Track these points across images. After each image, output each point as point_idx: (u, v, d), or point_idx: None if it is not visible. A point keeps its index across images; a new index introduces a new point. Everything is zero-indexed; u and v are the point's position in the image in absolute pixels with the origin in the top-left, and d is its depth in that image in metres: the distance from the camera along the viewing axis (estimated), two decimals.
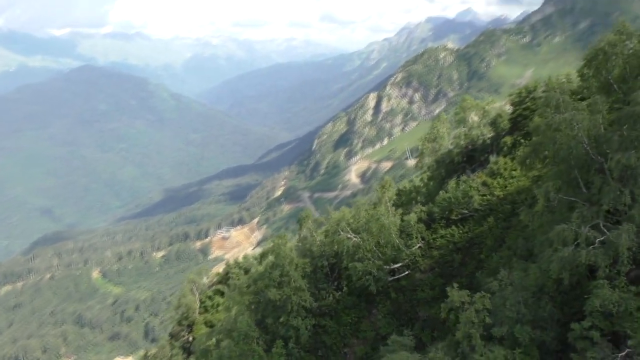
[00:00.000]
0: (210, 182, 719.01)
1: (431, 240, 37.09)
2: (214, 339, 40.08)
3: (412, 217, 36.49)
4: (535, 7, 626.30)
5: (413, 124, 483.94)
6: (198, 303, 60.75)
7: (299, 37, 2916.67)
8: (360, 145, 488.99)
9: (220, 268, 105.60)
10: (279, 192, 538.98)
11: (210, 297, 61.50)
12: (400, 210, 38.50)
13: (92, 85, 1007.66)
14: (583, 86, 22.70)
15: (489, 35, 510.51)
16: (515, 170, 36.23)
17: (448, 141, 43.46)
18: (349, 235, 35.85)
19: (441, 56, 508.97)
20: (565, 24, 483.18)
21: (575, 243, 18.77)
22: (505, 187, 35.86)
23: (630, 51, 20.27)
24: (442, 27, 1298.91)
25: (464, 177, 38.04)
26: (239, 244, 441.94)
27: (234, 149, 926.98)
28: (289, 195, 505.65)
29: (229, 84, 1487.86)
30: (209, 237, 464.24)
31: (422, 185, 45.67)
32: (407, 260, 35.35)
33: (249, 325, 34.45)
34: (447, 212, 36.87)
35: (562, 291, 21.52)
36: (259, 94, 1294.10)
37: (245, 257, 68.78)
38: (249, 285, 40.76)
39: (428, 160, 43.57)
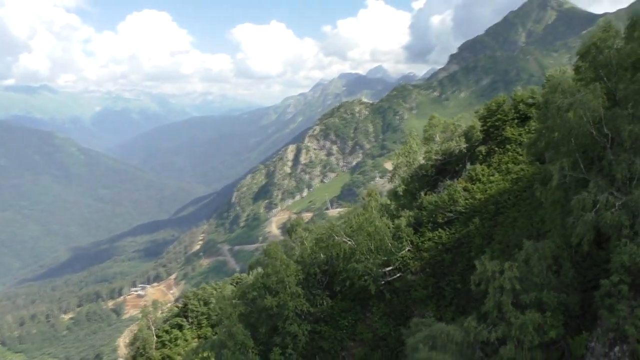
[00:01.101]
0: (123, 238, 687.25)
1: (419, 243, 38.34)
2: (201, 355, 37.84)
3: (402, 221, 37.75)
4: (441, 66, 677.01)
5: (332, 175, 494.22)
6: (154, 338, 57.13)
7: (215, 91, 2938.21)
8: (280, 196, 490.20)
9: (135, 328, 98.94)
10: (197, 247, 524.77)
11: (167, 332, 58.10)
12: (385, 218, 39.58)
13: None
14: (577, 79, 25.25)
15: (401, 90, 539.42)
16: (492, 175, 38.74)
17: (420, 156, 45.76)
18: (344, 239, 36.32)
19: (357, 110, 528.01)
20: (470, 80, 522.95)
21: (595, 209, 20.55)
22: (486, 190, 38.08)
23: (617, 47, 23.13)
24: (355, 83, 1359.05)
25: (448, 182, 40.14)
26: (155, 301, 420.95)
27: (148, 204, 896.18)
28: (208, 249, 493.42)
29: (142, 138, 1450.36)
30: (122, 296, 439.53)
31: (389, 202, 47.25)
32: (397, 264, 36.28)
33: (245, 334, 33.38)
34: (433, 216, 38.40)
35: (575, 262, 23.20)
36: (175, 147, 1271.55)
37: (203, 287, 66.15)
38: (239, 296, 39.44)
39: (403, 174, 45.50)
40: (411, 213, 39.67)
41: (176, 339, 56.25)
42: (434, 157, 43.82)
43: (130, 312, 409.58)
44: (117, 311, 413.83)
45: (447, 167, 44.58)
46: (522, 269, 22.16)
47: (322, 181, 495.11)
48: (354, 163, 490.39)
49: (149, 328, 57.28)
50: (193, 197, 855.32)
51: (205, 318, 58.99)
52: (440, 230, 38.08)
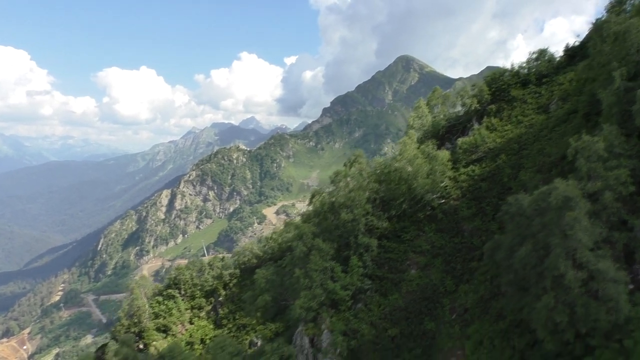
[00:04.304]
0: None
1: (456, 176, 44.30)
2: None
3: (445, 154, 43.47)
4: (312, 119, 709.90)
5: (208, 221, 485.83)
6: (148, 309, 54.19)
7: (77, 135, 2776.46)
8: (152, 243, 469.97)
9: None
10: (56, 298, 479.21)
11: (160, 303, 55.55)
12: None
13: None
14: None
15: (279, 139, 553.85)
16: (506, 126, 46.20)
17: (431, 118, 52.19)
18: (406, 166, 40.60)
19: (234, 156, 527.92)
20: (343, 132, 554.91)
21: None
22: (504, 136, 45.42)
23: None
24: (228, 132, 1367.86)
25: (476, 126, 46.82)
26: (4, 359, 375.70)
27: None
28: (70, 299, 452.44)
29: None
30: None
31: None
32: (440, 192, 41.48)
33: (324, 244, 35.67)
34: (467, 154, 44.78)
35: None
36: (29, 194, 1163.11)
37: (192, 262, 63.92)
38: (304, 221, 41.26)
39: (417, 134, 51.42)
40: (447, 152, 45.91)
41: (170, 309, 54.29)
42: (444, 119, 50.83)
43: None
44: None
45: (454, 128, 51.71)
46: (605, 144, 28.58)
47: (197, 227, 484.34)
48: (231, 209, 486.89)
49: (141, 299, 54.69)
50: (49, 246, 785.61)
51: (199, 289, 57.71)
52: (472, 166, 44.62)
